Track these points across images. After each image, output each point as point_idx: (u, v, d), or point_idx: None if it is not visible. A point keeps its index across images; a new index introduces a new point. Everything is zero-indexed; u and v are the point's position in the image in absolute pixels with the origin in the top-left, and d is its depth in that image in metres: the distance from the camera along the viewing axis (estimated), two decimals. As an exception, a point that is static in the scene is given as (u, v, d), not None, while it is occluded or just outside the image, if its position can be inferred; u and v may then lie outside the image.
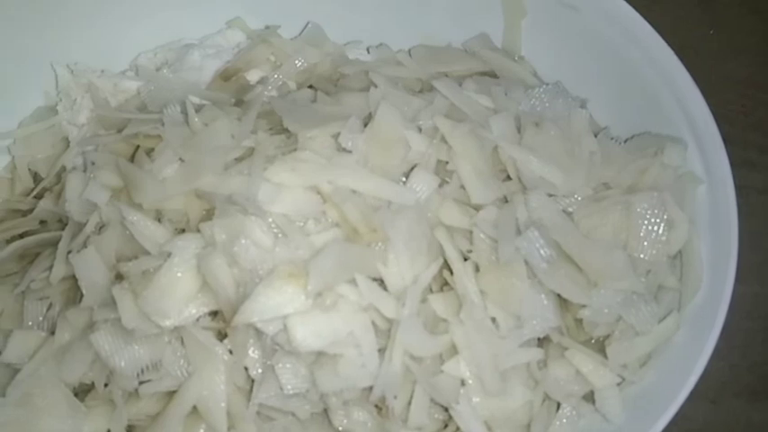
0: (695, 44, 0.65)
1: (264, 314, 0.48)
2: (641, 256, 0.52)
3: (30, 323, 0.55)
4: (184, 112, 0.56)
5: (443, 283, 0.52)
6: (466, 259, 0.52)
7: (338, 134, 0.53)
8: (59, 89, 0.65)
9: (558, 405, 0.52)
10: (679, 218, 0.54)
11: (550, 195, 0.53)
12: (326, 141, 0.53)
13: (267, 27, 0.67)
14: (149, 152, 0.55)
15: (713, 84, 0.60)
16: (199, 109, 0.56)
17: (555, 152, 0.54)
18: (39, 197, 0.61)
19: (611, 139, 0.59)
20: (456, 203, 0.53)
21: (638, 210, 0.53)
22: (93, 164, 0.56)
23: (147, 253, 0.51)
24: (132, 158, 0.56)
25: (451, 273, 0.51)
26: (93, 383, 0.52)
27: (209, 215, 0.51)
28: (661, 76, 0.59)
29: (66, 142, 0.64)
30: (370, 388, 0.49)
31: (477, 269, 0.51)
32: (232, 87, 0.62)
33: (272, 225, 0.50)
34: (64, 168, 0.61)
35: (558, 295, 0.52)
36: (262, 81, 0.62)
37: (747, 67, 0.81)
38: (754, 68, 0.81)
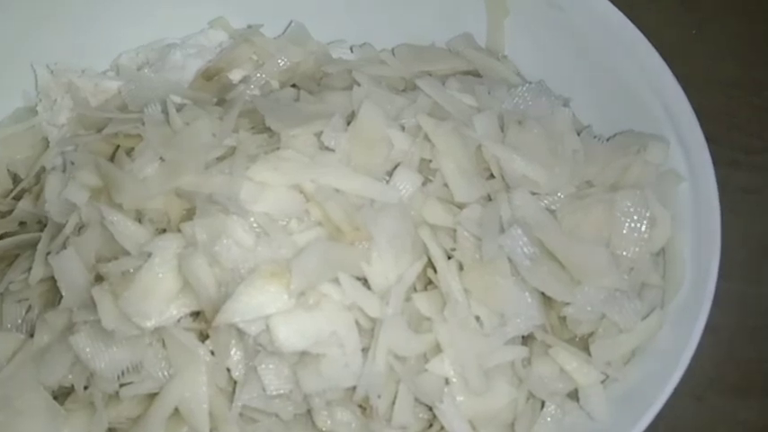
0: (679, 45, 0.65)
1: (246, 314, 0.47)
2: (624, 253, 0.52)
3: (8, 326, 0.54)
4: (165, 112, 0.55)
5: (427, 282, 0.52)
6: (450, 257, 0.51)
7: (321, 133, 0.52)
8: (39, 89, 0.64)
9: (543, 403, 0.52)
10: (661, 215, 0.54)
11: (534, 193, 0.53)
12: (309, 140, 0.52)
13: (250, 26, 0.67)
14: (129, 152, 0.54)
15: (697, 85, 0.60)
16: (180, 108, 0.56)
17: (538, 150, 0.54)
18: (17, 198, 0.61)
19: (594, 137, 0.59)
20: (439, 202, 0.52)
21: (621, 207, 0.53)
22: (72, 164, 0.55)
23: (127, 253, 0.50)
24: (112, 158, 0.55)
25: (435, 271, 0.51)
26: (72, 386, 0.51)
27: (189, 215, 0.51)
28: (644, 76, 0.59)
29: (46, 143, 0.63)
30: (354, 388, 0.49)
31: (461, 267, 0.51)
32: (214, 87, 0.62)
33: (254, 224, 0.49)
34: (43, 169, 0.60)
35: (542, 293, 0.52)
36: (244, 80, 0.61)
37: (731, 68, 0.81)
38: (737, 70, 0.81)
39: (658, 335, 0.53)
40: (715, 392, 0.70)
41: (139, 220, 0.52)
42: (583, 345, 0.53)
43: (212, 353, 0.49)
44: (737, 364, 0.71)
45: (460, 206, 0.52)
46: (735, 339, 0.71)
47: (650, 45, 0.59)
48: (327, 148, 0.52)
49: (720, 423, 0.70)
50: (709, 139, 0.56)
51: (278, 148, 0.52)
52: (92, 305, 0.49)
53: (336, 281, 0.48)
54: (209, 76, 0.62)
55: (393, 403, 0.49)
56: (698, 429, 0.69)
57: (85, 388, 0.51)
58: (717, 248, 0.52)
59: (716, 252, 0.52)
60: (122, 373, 0.50)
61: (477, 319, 0.50)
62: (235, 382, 0.49)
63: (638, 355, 0.53)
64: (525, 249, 0.50)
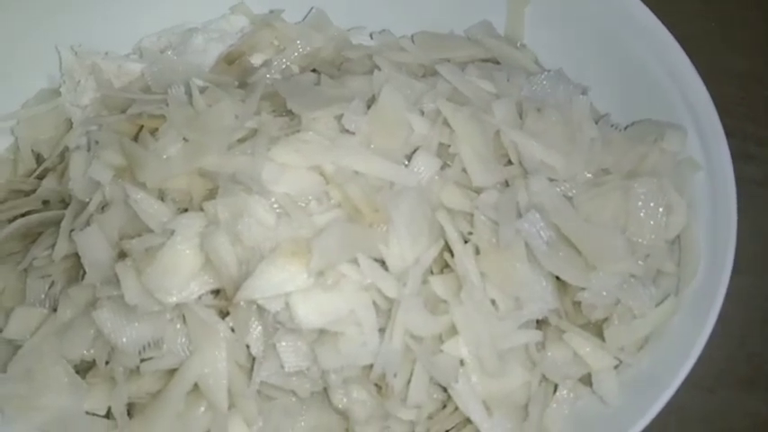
0: (696, 37, 0.65)
1: (267, 291, 0.48)
2: (640, 240, 0.53)
3: (32, 301, 0.55)
4: (188, 93, 0.56)
5: (444, 265, 0.52)
6: (466, 241, 0.52)
7: (341, 116, 0.53)
8: (63, 71, 0.65)
9: (556, 386, 0.53)
10: (677, 203, 0.54)
11: (551, 180, 0.54)
12: (330, 123, 0.53)
13: (271, 12, 0.67)
14: (153, 132, 0.55)
15: (713, 77, 0.60)
16: (203, 91, 0.57)
17: (556, 137, 0.55)
18: (41, 178, 0.62)
19: (612, 125, 0.60)
20: (457, 186, 0.53)
21: (638, 194, 0.53)
22: (96, 143, 0.56)
23: (150, 231, 0.51)
24: (136, 138, 0.56)
25: (452, 255, 0.51)
26: (94, 361, 0.52)
27: (212, 194, 0.52)
28: (663, 66, 0.59)
29: (69, 124, 0.64)
30: (371, 367, 0.49)
31: (477, 251, 0.52)
32: (236, 70, 0.62)
33: (275, 204, 0.50)
34: (67, 149, 0.61)
35: (557, 278, 0.52)
36: (265, 64, 0.62)
37: (747, 60, 0.81)
38: (754, 62, 0.81)
39: (672, 322, 0.54)
40: (725, 385, 0.70)
41: (162, 199, 0.53)
42: (597, 330, 0.54)
43: (232, 330, 0.50)
44: (747, 356, 0.71)
45: (478, 191, 0.53)
46: (745, 332, 0.72)
47: (669, 34, 0.59)
48: (347, 131, 0.53)
49: (730, 415, 0.70)
50: (724, 131, 0.57)
51: (299, 131, 0.53)
52: (115, 281, 0.50)
53: (355, 261, 0.49)
54: (231, 59, 0.63)
55: (408, 383, 0.50)
56: (708, 421, 0.69)
57: (107, 363, 0.52)
58: (732, 236, 0.53)
59: (731, 240, 0.53)
60: (143, 349, 0.51)
61: (493, 302, 0.51)
62: (253, 359, 0.50)
63: (652, 342, 0.54)
64: (542, 234, 0.51)
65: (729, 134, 0.57)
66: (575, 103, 0.57)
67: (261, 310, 0.49)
